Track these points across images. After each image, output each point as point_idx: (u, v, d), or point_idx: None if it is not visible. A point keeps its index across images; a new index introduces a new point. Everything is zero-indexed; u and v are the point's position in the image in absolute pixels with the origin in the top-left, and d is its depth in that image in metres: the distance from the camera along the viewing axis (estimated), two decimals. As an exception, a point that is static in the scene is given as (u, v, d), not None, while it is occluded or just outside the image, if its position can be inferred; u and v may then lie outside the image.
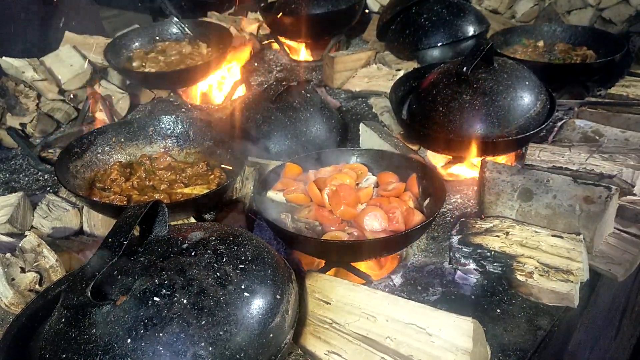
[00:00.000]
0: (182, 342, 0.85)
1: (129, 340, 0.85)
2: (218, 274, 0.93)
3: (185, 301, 0.88)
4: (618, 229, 1.33)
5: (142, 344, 0.84)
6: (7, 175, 1.87)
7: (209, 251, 0.97)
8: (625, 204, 1.36)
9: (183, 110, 2.01)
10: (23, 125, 2.08)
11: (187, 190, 1.46)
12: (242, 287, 0.92)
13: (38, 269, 1.17)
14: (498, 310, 1.21)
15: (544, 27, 2.31)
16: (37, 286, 1.16)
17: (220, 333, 0.87)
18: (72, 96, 2.14)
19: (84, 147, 1.54)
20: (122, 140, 1.62)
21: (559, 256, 1.22)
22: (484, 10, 2.59)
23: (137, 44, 2.35)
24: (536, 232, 1.29)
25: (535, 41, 2.26)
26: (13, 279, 1.16)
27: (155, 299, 0.88)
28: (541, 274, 1.20)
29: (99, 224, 1.45)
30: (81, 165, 1.51)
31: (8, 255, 1.26)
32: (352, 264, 1.31)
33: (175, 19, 2.36)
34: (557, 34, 2.28)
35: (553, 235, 1.26)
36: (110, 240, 0.95)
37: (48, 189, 1.78)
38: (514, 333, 1.16)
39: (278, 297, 0.95)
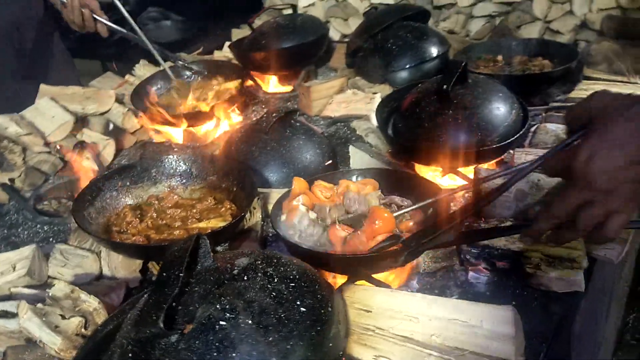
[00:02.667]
0: (254, 359, 0.91)
1: (204, 364, 0.90)
2: (274, 293, 0.99)
3: (250, 321, 0.94)
4: (606, 217, 1.46)
5: (218, 366, 0.90)
6: (5, 231, 1.87)
7: (259, 274, 1.03)
8: (609, 194, 1.50)
9: (175, 149, 2.06)
10: (11, 180, 2.08)
11: (202, 225, 1.51)
12: (298, 303, 0.99)
13: (82, 313, 1.20)
14: (514, 302, 1.31)
15: (500, 42, 2.49)
16: (83, 330, 1.19)
17: (288, 347, 0.93)
18: (58, 147, 2.16)
19: (94, 194, 1.58)
20: (128, 184, 1.66)
21: (561, 247, 1.34)
22: (442, 32, 2.75)
23: (158, 87, 2.48)
24: (536, 227, 1.40)
25: (494, 56, 2.43)
26: (57, 327, 1.19)
27: (222, 322, 0.94)
28: (547, 265, 1.32)
29: (119, 267, 1.48)
30: (94, 211, 1.55)
31: (40, 305, 1.29)
32: (372, 275, 1.39)
33: (180, 62, 2.45)
34: (513, 47, 2.46)
35: (552, 229, 1.38)
36: (164, 274, 1.01)
37: (50, 239, 1.79)
38: (533, 321, 1.26)
39: (330, 308, 1.02)
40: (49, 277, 1.51)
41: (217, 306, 0.96)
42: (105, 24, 2.45)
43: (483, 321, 1.01)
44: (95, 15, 2.43)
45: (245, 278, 1.02)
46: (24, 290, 1.43)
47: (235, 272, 1.04)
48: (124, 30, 2.45)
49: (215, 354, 0.91)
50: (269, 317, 0.95)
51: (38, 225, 1.88)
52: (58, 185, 2.07)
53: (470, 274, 1.40)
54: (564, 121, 1.45)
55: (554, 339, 1.23)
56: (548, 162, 1.13)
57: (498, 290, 1.36)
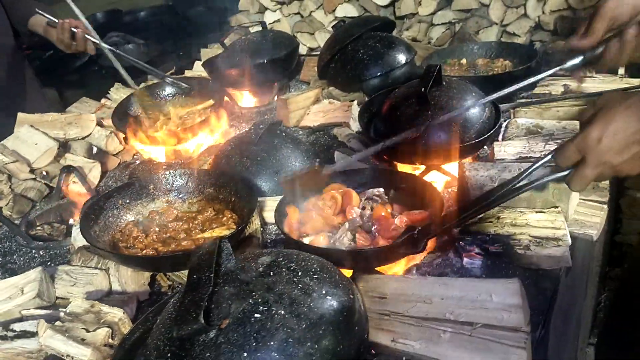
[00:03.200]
0: (291, 345, 0.97)
1: (245, 354, 0.96)
2: (300, 285, 1.07)
3: (282, 312, 1.01)
4: (582, 199, 1.59)
5: (258, 354, 0.96)
6: (0, 259, 1.87)
7: (283, 270, 1.11)
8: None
9: (164, 167, 2.11)
10: (-1, 209, 2.09)
11: (207, 235, 1.57)
12: (323, 292, 1.07)
13: (107, 324, 1.24)
14: (508, 282, 1.42)
15: (463, 47, 2.63)
16: (110, 340, 1.23)
17: (320, 332, 1.00)
18: (44, 173, 2.17)
19: (97, 213, 1.61)
20: (128, 201, 1.70)
21: (546, 228, 1.46)
22: (406, 40, 2.89)
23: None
24: (521, 212, 1.52)
25: (458, 60, 2.58)
26: (83, 339, 1.23)
27: (256, 315, 1.01)
28: (536, 245, 1.43)
29: (129, 281, 1.52)
30: (98, 230, 1.59)
31: (58, 323, 1.32)
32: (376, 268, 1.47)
33: (169, 79, 2.49)
34: (475, 51, 2.61)
35: (536, 212, 1.50)
36: (194, 277, 1.07)
37: (49, 263, 1.81)
38: (529, 297, 1.35)
39: (351, 296, 1.10)
40: (57, 297, 1.53)
41: (250, 301, 1.03)
42: (95, 42, 2.52)
43: (492, 295, 1.11)
44: (87, 35, 2.51)
45: (271, 274, 1.09)
46: (35, 312, 1.45)
47: (260, 269, 1.11)
48: (114, 49, 2.52)
49: (254, 343, 0.97)
50: (300, 307, 1.02)
51: (33, 251, 1.89)
52: (48, 211, 2.09)
53: (465, 260, 1.50)
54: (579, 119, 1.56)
55: (549, 312, 1.34)
56: (560, 152, 1.24)
57: (492, 273, 1.45)
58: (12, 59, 2.71)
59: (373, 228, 1.46)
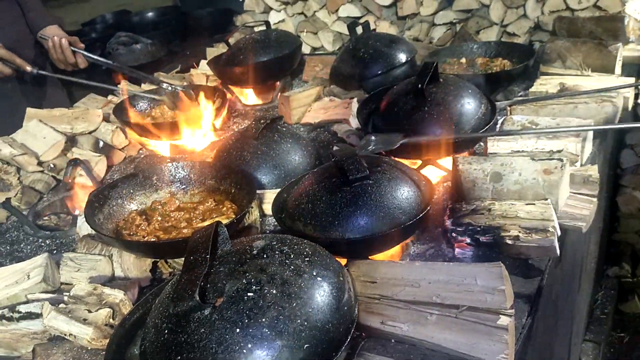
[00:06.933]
0: (282, 322, 1.02)
1: (237, 330, 1.01)
2: (292, 267, 1.12)
3: (274, 291, 1.06)
4: (572, 192, 1.63)
5: (250, 330, 1.01)
6: (8, 248, 1.94)
7: (276, 252, 1.16)
8: (573, 172, 1.67)
9: (168, 161, 2.16)
10: (7, 199, 2.14)
11: (207, 224, 1.62)
12: (314, 274, 1.12)
13: (109, 305, 1.30)
14: (498, 272, 1.46)
15: (462, 46, 2.68)
16: (111, 320, 1.28)
17: (310, 310, 1.05)
18: (52, 166, 2.23)
19: (102, 202, 1.67)
20: (132, 191, 1.76)
21: (535, 219, 1.49)
22: (407, 39, 2.93)
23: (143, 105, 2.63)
24: (512, 204, 1.56)
25: (458, 59, 2.62)
26: (85, 319, 1.28)
27: (249, 294, 1.06)
28: (525, 235, 1.47)
29: (132, 267, 1.57)
30: (103, 218, 1.64)
31: (62, 305, 1.38)
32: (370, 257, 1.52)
33: (165, 84, 2.55)
34: (475, 50, 2.65)
35: (527, 204, 1.54)
36: (191, 258, 1.12)
37: (54, 252, 1.87)
38: (517, 285, 1.40)
39: (341, 278, 1.15)
40: (62, 282, 1.59)
41: (244, 281, 1.08)
42: (89, 57, 2.69)
43: (477, 279, 1.15)
44: (73, 48, 2.63)
45: (265, 256, 1.14)
46: (40, 296, 1.51)
47: (254, 252, 1.16)
48: (110, 62, 2.62)
49: (247, 320, 1.02)
50: (291, 287, 1.07)
51: (40, 240, 1.95)
52: (54, 202, 2.15)
53: (457, 250, 1.54)
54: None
55: (536, 299, 1.38)
56: None
57: (482, 262, 1.49)
58: (33, 54, 2.81)
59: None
